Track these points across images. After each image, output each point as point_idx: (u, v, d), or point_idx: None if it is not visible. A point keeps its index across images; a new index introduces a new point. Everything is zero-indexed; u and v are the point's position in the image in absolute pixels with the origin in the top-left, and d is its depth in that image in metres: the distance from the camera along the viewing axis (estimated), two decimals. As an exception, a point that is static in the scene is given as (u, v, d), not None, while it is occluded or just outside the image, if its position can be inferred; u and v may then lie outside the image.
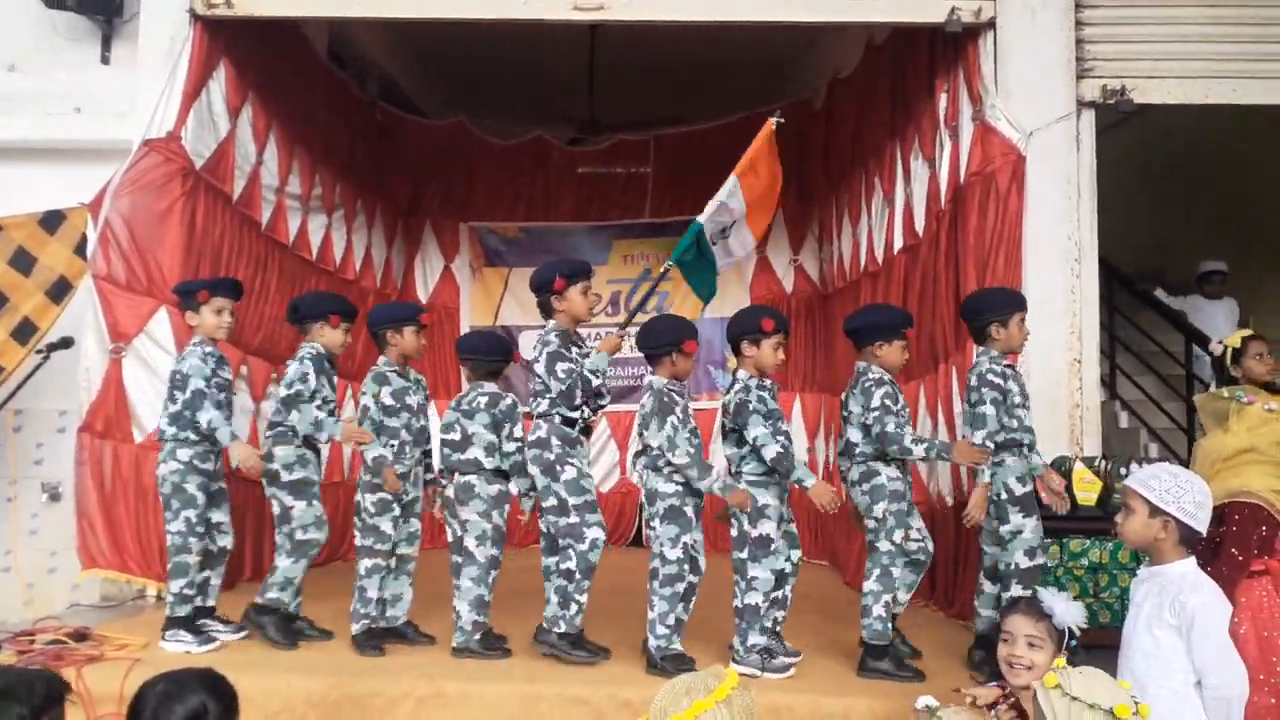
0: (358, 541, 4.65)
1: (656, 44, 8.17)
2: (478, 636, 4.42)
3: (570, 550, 4.28)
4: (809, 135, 8.40)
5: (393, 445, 4.65)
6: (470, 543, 4.46)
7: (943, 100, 5.72)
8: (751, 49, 7.84)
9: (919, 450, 4.16)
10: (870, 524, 4.24)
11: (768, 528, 4.17)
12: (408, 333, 4.76)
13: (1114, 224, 5.89)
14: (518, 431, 4.53)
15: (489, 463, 4.49)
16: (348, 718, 3.88)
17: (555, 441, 4.30)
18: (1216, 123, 6.59)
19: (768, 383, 4.29)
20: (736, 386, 4.27)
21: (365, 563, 4.59)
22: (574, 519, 4.27)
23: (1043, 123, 5.32)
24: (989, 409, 4.15)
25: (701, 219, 4.72)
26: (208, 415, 4.49)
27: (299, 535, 4.59)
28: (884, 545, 4.18)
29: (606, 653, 4.33)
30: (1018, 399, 4.24)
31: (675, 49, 8.14)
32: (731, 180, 4.72)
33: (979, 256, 5.23)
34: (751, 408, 4.17)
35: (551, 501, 4.32)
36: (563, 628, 4.29)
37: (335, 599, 4.93)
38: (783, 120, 4.78)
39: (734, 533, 4.23)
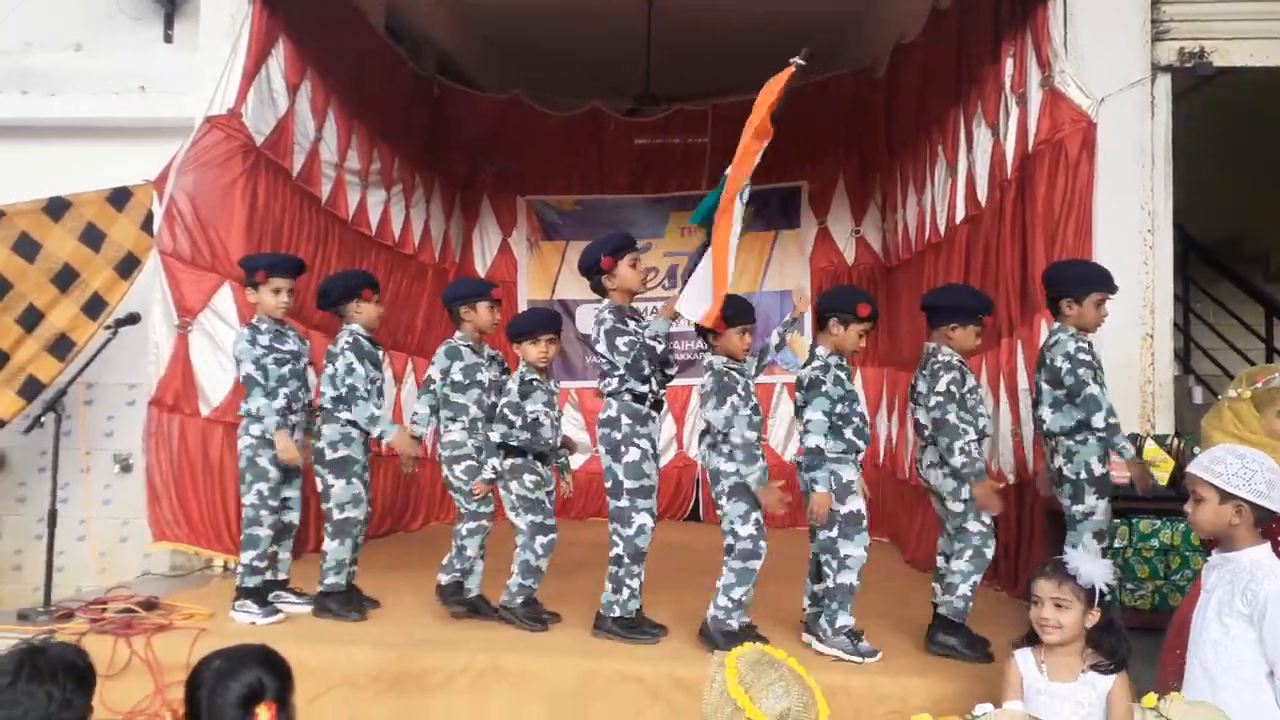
0: (461, 508, 4.71)
1: (713, 12, 8.06)
2: (520, 600, 4.47)
3: (616, 535, 4.28)
4: (871, 103, 8.23)
5: (462, 421, 4.69)
6: (509, 513, 4.53)
7: (1009, 66, 5.54)
8: (811, 16, 7.67)
9: (958, 460, 4.03)
10: (957, 506, 4.12)
11: (857, 504, 4.12)
12: (481, 308, 4.79)
13: (1190, 192, 5.67)
14: (529, 407, 4.50)
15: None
16: (406, 690, 3.93)
17: (625, 420, 4.26)
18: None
19: (845, 363, 4.23)
20: (815, 363, 4.21)
21: (469, 524, 4.68)
22: (625, 503, 4.26)
23: (1115, 88, 5.11)
24: (1094, 389, 3.99)
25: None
26: (255, 403, 4.59)
27: (336, 514, 4.66)
28: (974, 526, 4.09)
29: (664, 630, 4.32)
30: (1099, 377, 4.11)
31: (732, 17, 8.02)
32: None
33: (1047, 227, 5.07)
34: (824, 389, 4.12)
35: (609, 482, 4.30)
36: (617, 613, 4.28)
37: (402, 571, 4.97)
38: (804, 63, 4.23)
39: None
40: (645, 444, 4.30)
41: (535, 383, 4.52)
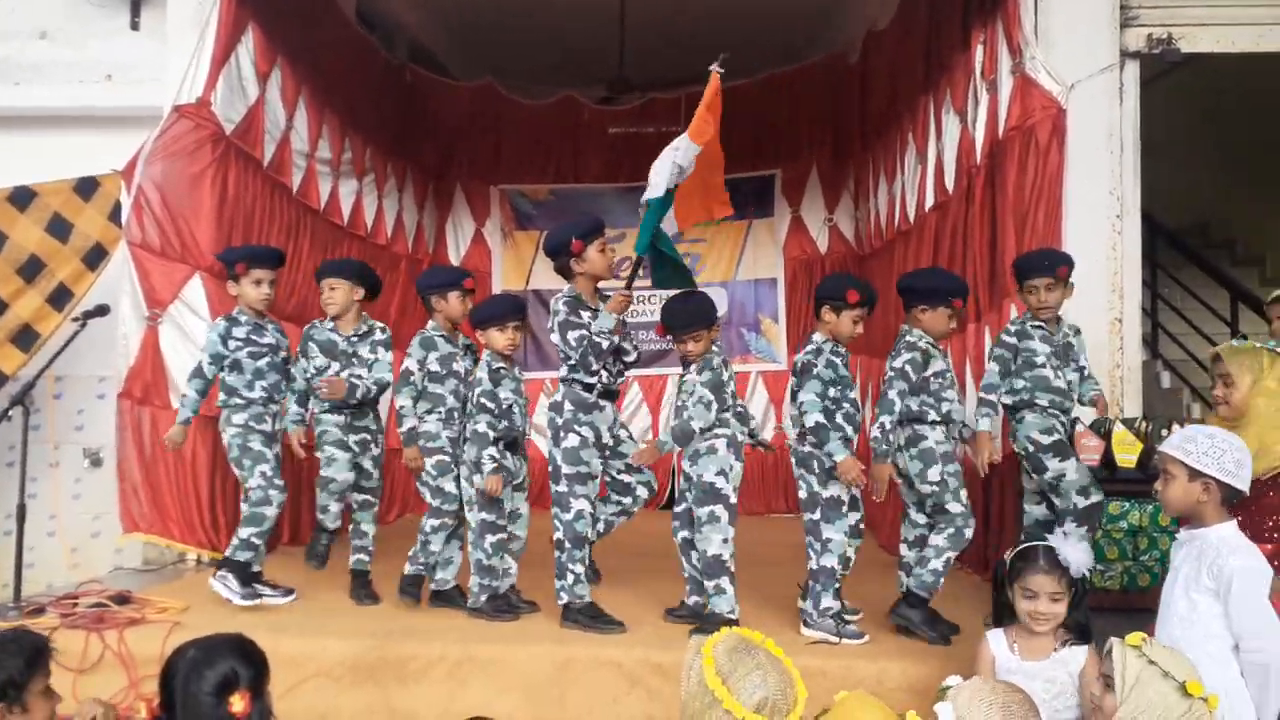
0: (427, 500, 4.69)
1: (686, 2, 8.04)
2: (485, 598, 4.46)
3: (557, 520, 4.30)
4: (844, 90, 8.26)
5: (439, 412, 4.67)
6: (465, 507, 4.54)
7: (979, 52, 5.57)
8: (784, 4, 7.69)
9: (873, 432, 4.13)
10: (928, 489, 4.14)
11: (838, 489, 4.15)
12: (452, 297, 4.76)
13: (1157, 179, 5.73)
14: (501, 395, 4.50)
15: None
16: (382, 680, 3.92)
17: (569, 406, 4.30)
18: (1267, 73, 6.37)
19: (841, 349, 4.25)
20: (809, 347, 4.24)
21: (432, 521, 4.65)
22: (563, 488, 4.28)
23: (1085, 74, 5.15)
24: (988, 365, 4.31)
25: (652, 193, 4.53)
26: (189, 388, 4.69)
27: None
28: (955, 506, 4.11)
29: (620, 625, 4.27)
30: (1039, 359, 4.20)
31: (707, 4, 8.00)
32: (684, 141, 4.50)
33: (1018, 213, 5.11)
34: (816, 372, 4.14)
35: (550, 467, 4.34)
36: (565, 598, 4.30)
37: (376, 562, 4.95)
38: (722, 70, 4.56)
39: (803, 494, 4.21)
40: (586, 431, 4.32)
41: (503, 370, 4.52)
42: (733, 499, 4.22)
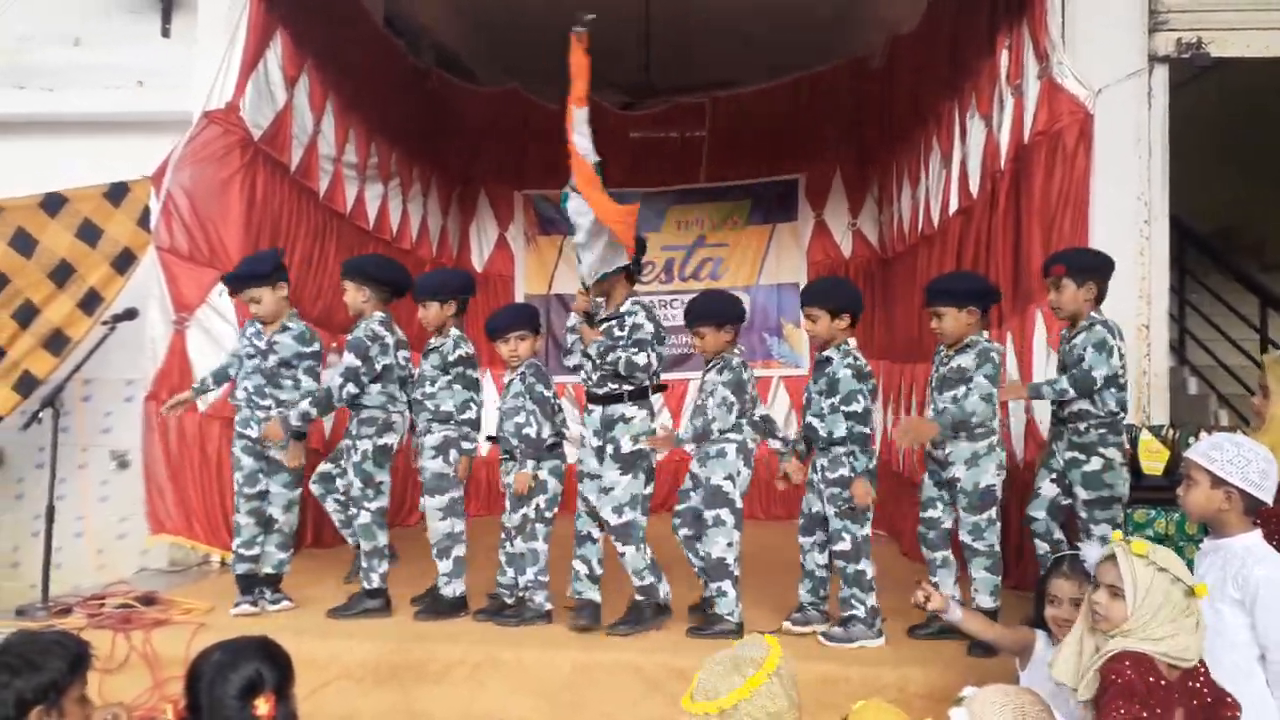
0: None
1: (710, 4, 8.03)
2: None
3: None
4: (868, 95, 8.22)
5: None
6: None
7: (1004, 57, 5.53)
8: (808, 7, 7.67)
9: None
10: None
11: None
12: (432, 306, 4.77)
13: (1186, 183, 5.67)
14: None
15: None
16: (403, 682, 3.94)
17: None
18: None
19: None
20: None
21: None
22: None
23: (1113, 79, 5.11)
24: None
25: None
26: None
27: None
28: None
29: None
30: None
31: (730, 9, 8.00)
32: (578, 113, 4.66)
33: (1044, 218, 5.06)
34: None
35: None
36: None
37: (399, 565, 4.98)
38: (584, 29, 4.48)
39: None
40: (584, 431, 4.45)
41: (508, 376, 4.69)
42: (739, 504, 4.25)
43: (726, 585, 4.19)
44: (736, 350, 4.38)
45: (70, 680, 2.21)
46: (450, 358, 4.62)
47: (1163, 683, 2.47)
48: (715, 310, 4.39)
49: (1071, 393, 4.06)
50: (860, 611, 4.13)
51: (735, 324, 4.38)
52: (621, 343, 4.26)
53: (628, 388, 4.30)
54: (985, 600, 4.13)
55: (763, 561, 5.11)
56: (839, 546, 4.17)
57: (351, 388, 4.53)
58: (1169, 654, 2.50)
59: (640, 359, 4.21)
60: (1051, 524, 4.20)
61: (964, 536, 4.17)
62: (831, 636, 4.12)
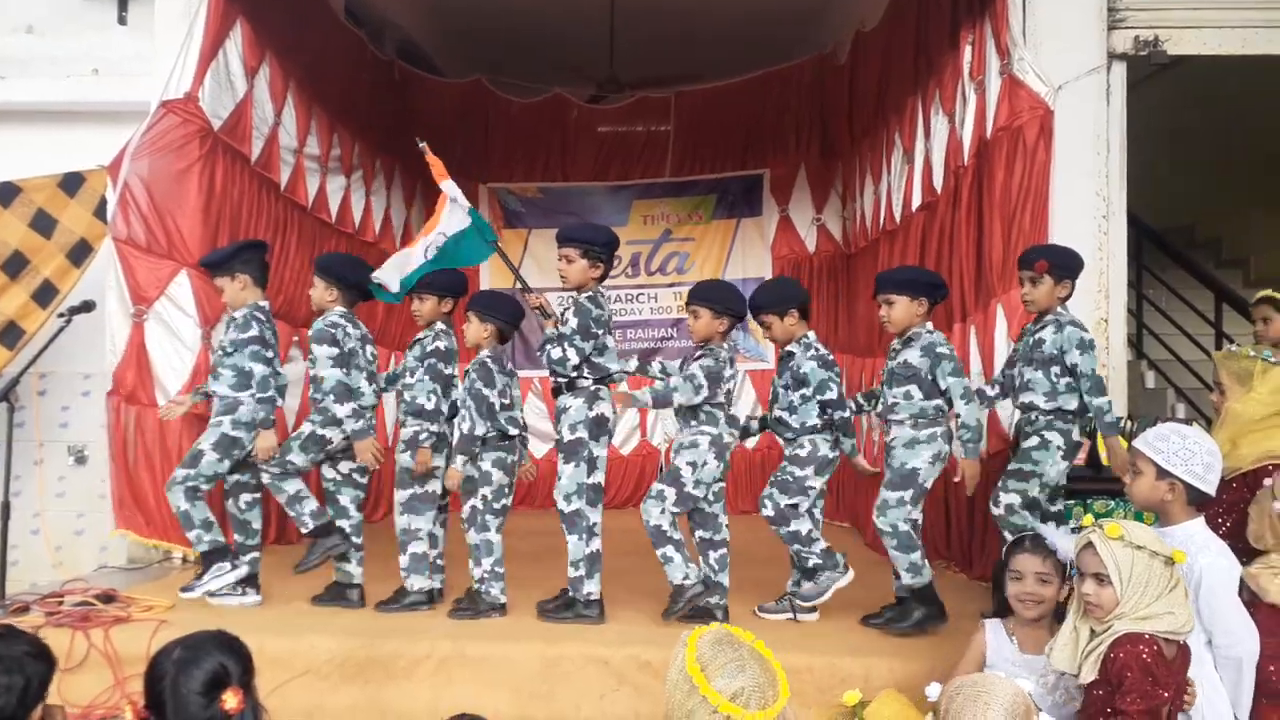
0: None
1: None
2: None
3: None
4: (832, 90, 8.27)
5: None
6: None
7: (967, 53, 5.59)
8: (774, 3, 7.69)
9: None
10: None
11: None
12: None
13: (1144, 180, 5.76)
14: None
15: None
16: (371, 678, 3.91)
17: None
18: (1253, 75, 6.41)
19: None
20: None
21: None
22: None
23: (1072, 76, 5.18)
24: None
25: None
26: None
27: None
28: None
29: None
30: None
31: (695, 3, 8.00)
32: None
33: (1005, 213, 5.13)
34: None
35: None
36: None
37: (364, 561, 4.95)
38: (423, 144, 5.02)
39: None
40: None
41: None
42: (689, 489, 4.28)
43: (669, 550, 4.23)
44: (725, 346, 4.42)
45: (40, 696, 2.18)
46: (428, 349, 4.64)
47: (1166, 662, 2.55)
48: (716, 295, 4.43)
49: (1101, 400, 4.08)
50: (814, 559, 4.26)
51: (731, 317, 4.40)
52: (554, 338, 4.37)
53: (562, 380, 4.40)
54: (907, 578, 4.14)
55: (759, 556, 5.12)
56: (764, 512, 4.32)
57: (339, 373, 4.57)
58: (1171, 630, 2.57)
59: (556, 353, 4.31)
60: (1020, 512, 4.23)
61: (874, 514, 4.21)
62: (804, 596, 4.28)
